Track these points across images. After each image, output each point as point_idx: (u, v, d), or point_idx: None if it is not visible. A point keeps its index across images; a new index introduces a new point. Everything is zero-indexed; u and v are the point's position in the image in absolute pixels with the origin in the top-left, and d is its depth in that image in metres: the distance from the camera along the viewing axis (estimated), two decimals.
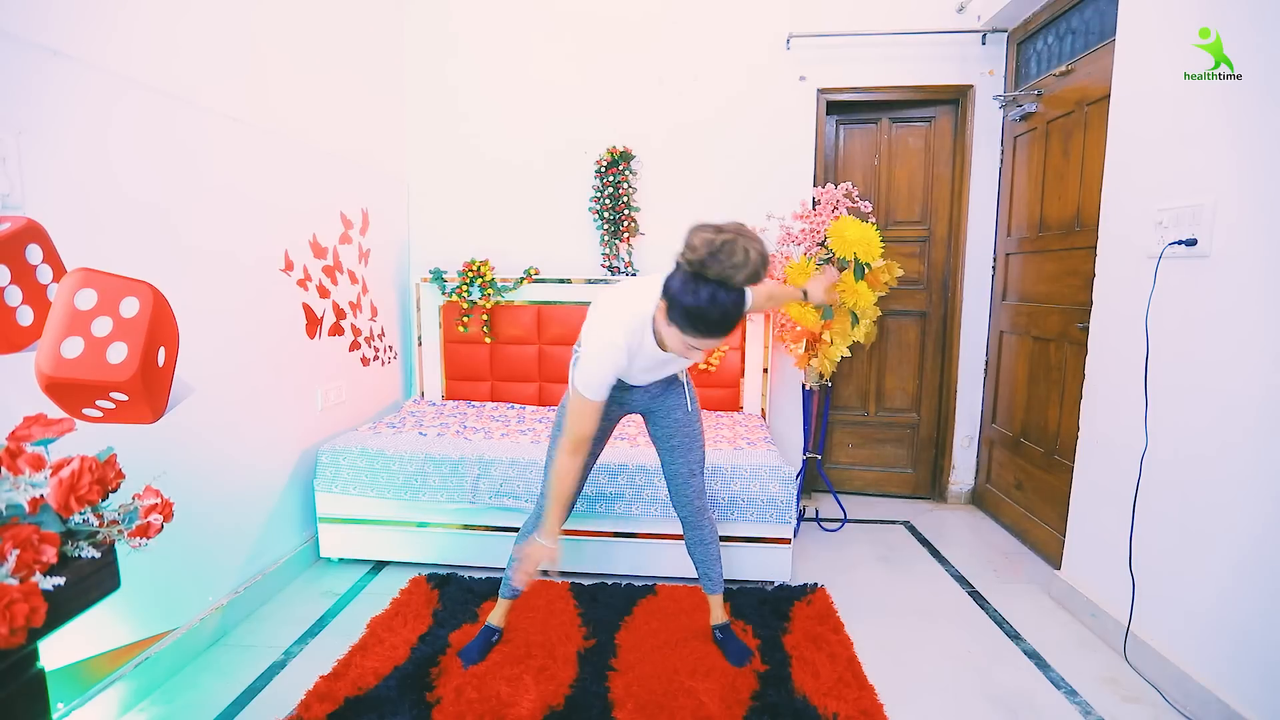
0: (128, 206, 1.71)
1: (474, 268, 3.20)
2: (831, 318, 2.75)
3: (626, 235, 3.24)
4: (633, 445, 2.56)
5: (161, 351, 1.12)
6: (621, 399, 1.83)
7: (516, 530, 2.39)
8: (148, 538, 1.05)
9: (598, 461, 2.37)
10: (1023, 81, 2.97)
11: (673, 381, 1.86)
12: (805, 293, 2.01)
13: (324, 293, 2.62)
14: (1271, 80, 1.55)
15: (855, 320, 2.76)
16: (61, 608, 0.91)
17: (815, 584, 2.38)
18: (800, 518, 3.02)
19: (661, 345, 1.58)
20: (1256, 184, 1.59)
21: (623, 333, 1.55)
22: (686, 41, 3.19)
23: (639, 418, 2.49)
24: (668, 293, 1.42)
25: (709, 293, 1.36)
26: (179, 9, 1.88)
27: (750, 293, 1.58)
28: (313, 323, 2.55)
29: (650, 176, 3.27)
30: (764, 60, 3.17)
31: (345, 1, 2.78)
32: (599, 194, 3.23)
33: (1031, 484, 2.81)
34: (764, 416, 3.17)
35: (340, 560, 2.58)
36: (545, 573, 1.70)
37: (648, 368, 1.69)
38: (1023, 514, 2.86)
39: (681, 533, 2.00)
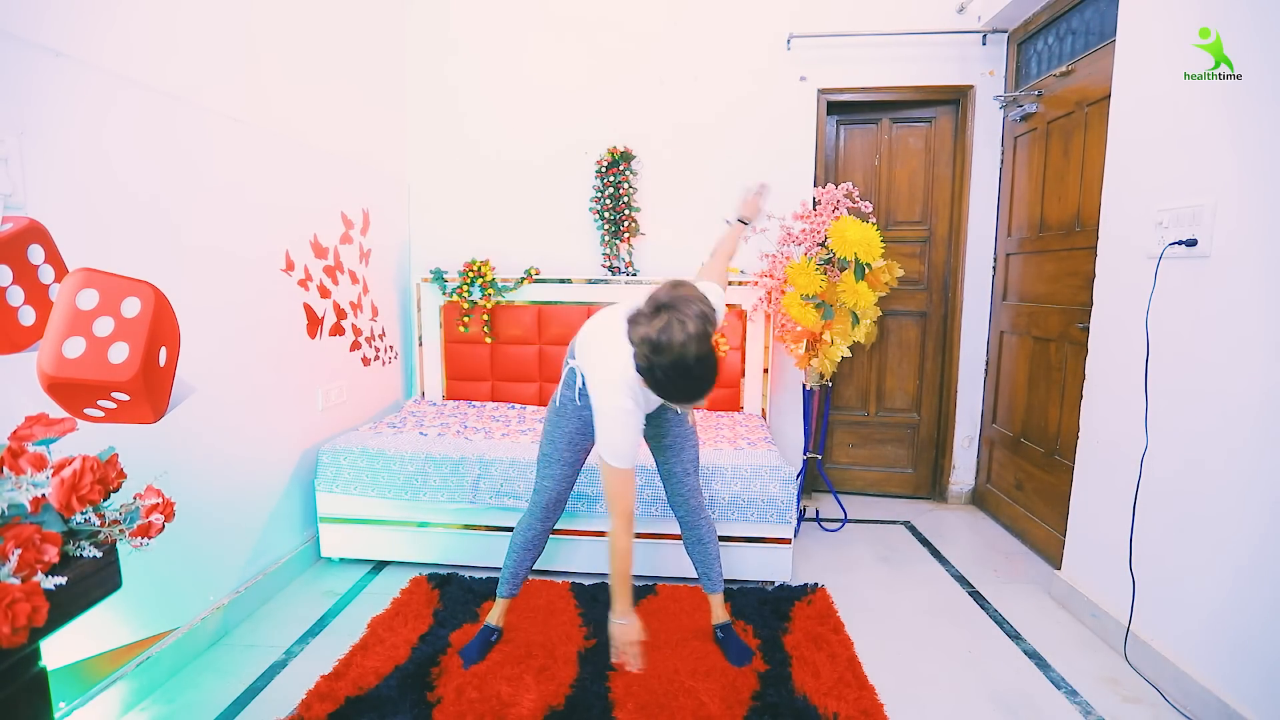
0: (129, 207, 1.71)
1: (474, 268, 3.20)
2: (832, 318, 2.75)
3: (627, 235, 3.24)
4: None
5: (163, 351, 1.13)
6: None
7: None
8: (149, 537, 1.05)
9: (597, 460, 2.38)
10: (1023, 82, 2.97)
11: None
12: (743, 220, 2.07)
13: (325, 293, 2.62)
14: (1271, 80, 1.55)
15: (856, 320, 2.76)
16: (63, 607, 0.91)
17: (816, 584, 2.38)
18: (800, 518, 3.02)
19: None
20: (1256, 184, 1.59)
21: (629, 396, 1.57)
22: (687, 42, 3.20)
23: None
24: (643, 375, 1.44)
25: (676, 371, 1.37)
26: (178, 9, 1.88)
27: (713, 315, 1.58)
28: (313, 323, 2.56)
29: (651, 177, 3.27)
30: (765, 60, 3.17)
31: (346, 2, 2.79)
32: (599, 194, 3.23)
33: (1032, 484, 2.81)
34: (764, 416, 3.17)
35: (341, 560, 2.58)
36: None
37: (652, 405, 1.74)
38: (1023, 514, 2.87)
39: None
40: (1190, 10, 1.77)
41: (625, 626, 1.72)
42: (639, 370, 1.44)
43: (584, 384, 1.74)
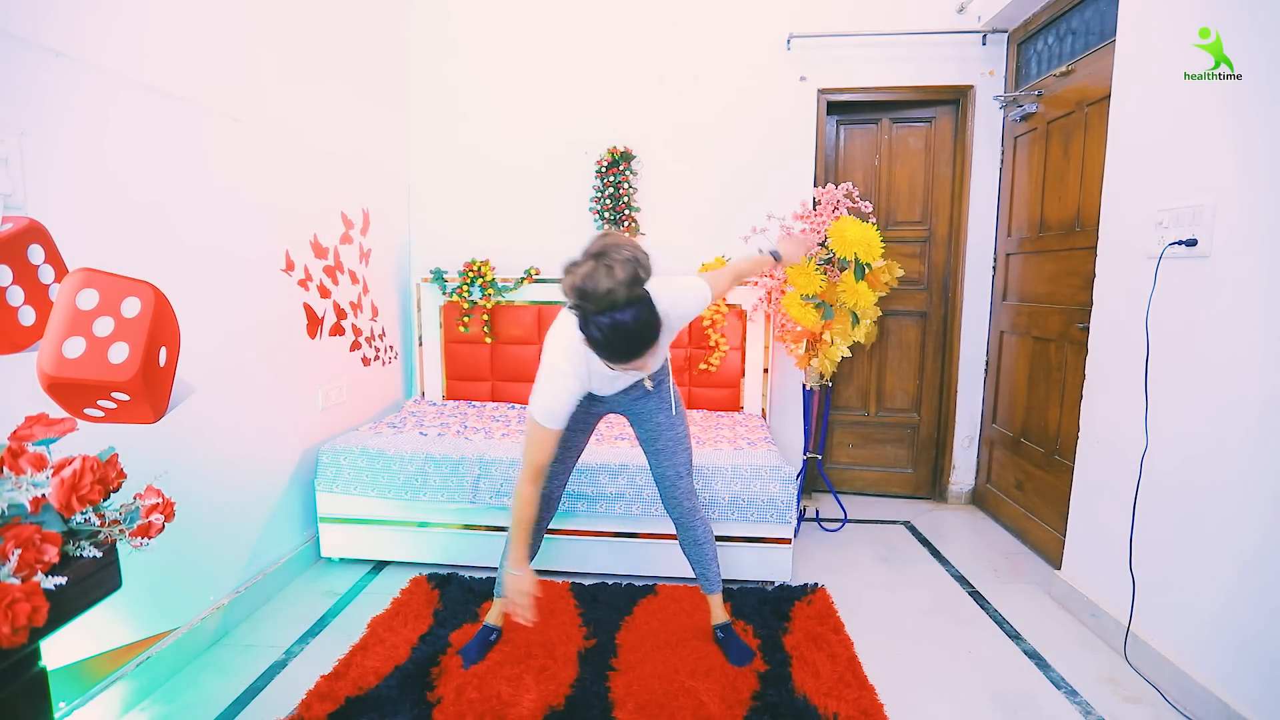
0: (129, 207, 1.71)
1: (474, 268, 3.20)
2: (832, 318, 2.75)
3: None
4: (633, 445, 2.56)
5: (163, 351, 1.13)
6: (603, 401, 1.84)
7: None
8: (149, 537, 1.05)
9: (597, 460, 2.38)
10: (1023, 82, 2.97)
11: (655, 385, 1.84)
12: (776, 255, 1.98)
13: (325, 293, 2.62)
14: (1271, 80, 1.55)
15: (856, 320, 2.76)
16: (63, 607, 0.91)
17: (816, 584, 2.38)
18: (800, 518, 3.02)
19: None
20: (1257, 184, 1.59)
21: (567, 360, 1.57)
22: (687, 42, 3.20)
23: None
24: (585, 335, 1.41)
25: (604, 323, 1.34)
26: (179, 9, 1.88)
27: (676, 296, 1.59)
28: (313, 323, 2.56)
29: (651, 177, 3.27)
30: (764, 60, 3.17)
31: (346, 2, 2.79)
32: (599, 194, 3.23)
33: (1032, 484, 2.81)
34: (764, 416, 3.17)
35: (341, 560, 2.58)
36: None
37: (606, 382, 1.71)
38: (1023, 514, 2.87)
39: None
40: (1190, 10, 1.77)
41: (518, 576, 1.67)
42: (580, 328, 1.41)
43: None
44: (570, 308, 1.39)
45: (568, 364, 1.57)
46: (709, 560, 1.95)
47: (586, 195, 3.28)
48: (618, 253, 1.33)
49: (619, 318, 1.34)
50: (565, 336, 1.58)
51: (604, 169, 3.21)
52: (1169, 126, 1.86)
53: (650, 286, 1.41)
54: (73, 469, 0.95)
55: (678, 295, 1.63)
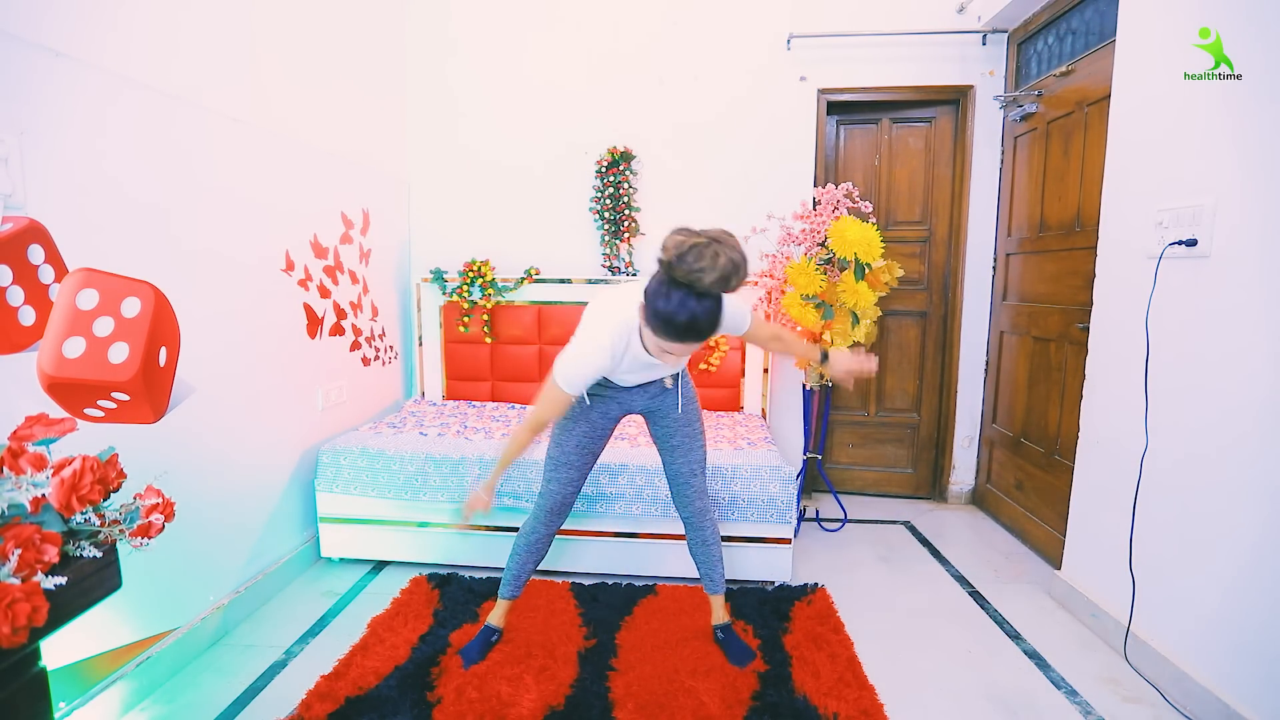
0: (129, 207, 1.71)
1: (474, 268, 3.20)
2: (832, 318, 2.75)
3: (627, 235, 3.24)
4: (633, 445, 2.56)
5: (163, 351, 1.13)
6: (620, 400, 1.84)
7: (518, 530, 2.40)
8: (149, 537, 1.05)
9: (598, 461, 2.38)
10: (1023, 82, 2.97)
11: (672, 382, 1.87)
12: (825, 356, 1.85)
13: (325, 293, 2.62)
14: (1271, 80, 1.55)
15: (855, 320, 2.76)
16: (63, 607, 0.91)
17: (816, 584, 2.38)
18: (800, 518, 3.02)
19: (646, 348, 1.60)
20: (1257, 184, 1.59)
21: (609, 335, 1.58)
22: (687, 42, 3.20)
23: (639, 418, 2.49)
24: (645, 294, 1.46)
25: (679, 297, 1.39)
26: (180, 9, 1.88)
27: (734, 309, 1.64)
28: (314, 323, 2.56)
29: (651, 177, 3.27)
30: (764, 60, 3.17)
31: (346, 2, 2.79)
32: (599, 194, 3.24)
33: (1032, 484, 2.81)
34: (764, 416, 3.17)
35: (341, 560, 2.58)
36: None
37: (634, 369, 1.71)
38: (1023, 514, 2.87)
39: (683, 533, 2.00)
40: (1190, 10, 1.77)
41: (480, 492, 1.79)
42: (650, 293, 1.44)
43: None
44: (660, 262, 1.41)
45: (609, 339, 1.58)
46: (715, 561, 1.95)
47: (586, 195, 3.28)
48: (730, 250, 1.37)
49: (692, 301, 1.39)
50: (616, 314, 1.59)
51: (604, 169, 3.21)
52: (1169, 126, 1.86)
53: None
54: (73, 469, 0.95)
55: (731, 312, 1.65)
